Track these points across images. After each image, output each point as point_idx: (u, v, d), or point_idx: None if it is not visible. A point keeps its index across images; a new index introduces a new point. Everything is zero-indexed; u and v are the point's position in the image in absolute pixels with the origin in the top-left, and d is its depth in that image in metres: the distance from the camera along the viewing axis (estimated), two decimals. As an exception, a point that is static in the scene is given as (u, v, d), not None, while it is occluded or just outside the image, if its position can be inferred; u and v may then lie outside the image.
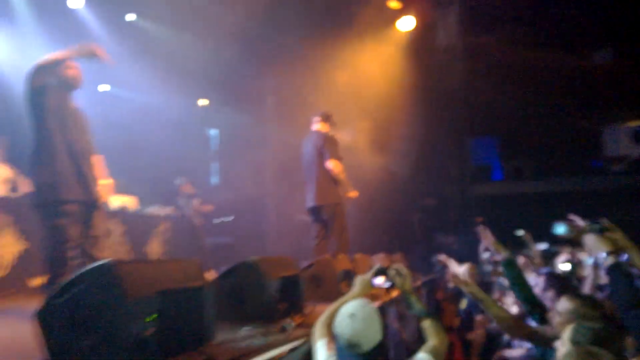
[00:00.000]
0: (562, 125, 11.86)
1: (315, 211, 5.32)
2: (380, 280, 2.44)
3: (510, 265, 3.25)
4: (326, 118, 5.41)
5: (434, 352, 2.19)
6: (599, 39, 11.45)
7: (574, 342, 1.90)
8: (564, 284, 3.38)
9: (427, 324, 2.33)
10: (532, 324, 3.08)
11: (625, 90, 11.32)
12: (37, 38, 8.17)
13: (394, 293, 2.70)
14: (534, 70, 11.17)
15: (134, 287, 1.84)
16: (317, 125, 5.40)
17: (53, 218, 3.31)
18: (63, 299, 1.88)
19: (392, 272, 2.46)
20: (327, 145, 5.18)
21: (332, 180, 5.17)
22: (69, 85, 3.56)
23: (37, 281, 4.92)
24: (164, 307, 1.96)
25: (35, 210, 3.41)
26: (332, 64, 10.15)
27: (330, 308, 2.30)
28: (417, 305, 2.45)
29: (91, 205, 3.53)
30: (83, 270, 1.91)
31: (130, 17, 9.99)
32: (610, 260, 2.13)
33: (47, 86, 3.40)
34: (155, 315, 1.88)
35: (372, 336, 2.03)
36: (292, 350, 2.22)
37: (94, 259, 3.33)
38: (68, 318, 1.85)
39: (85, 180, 3.49)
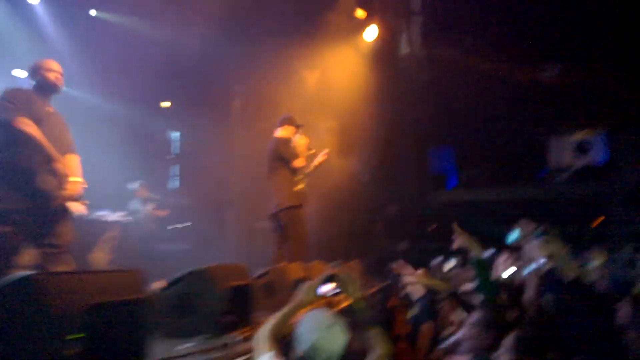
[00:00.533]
0: (513, 135, 12.26)
1: (273, 218, 5.25)
2: (327, 288, 2.31)
3: (480, 264, 3.29)
4: (285, 122, 5.34)
5: None
6: (549, 53, 11.88)
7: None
8: None
9: (373, 333, 2.24)
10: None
11: (571, 104, 11.84)
12: None
13: (342, 301, 2.59)
14: (490, 81, 11.47)
15: (58, 302, 1.69)
16: (277, 131, 5.33)
17: None
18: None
19: (341, 279, 2.35)
20: (284, 150, 5.12)
21: (288, 185, 5.11)
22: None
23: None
24: (94, 323, 1.81)
25: None
26: (299, 68, 10.12)
27: (274, 319, 2.15)
28: (365, 314, 2.35)
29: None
30: (3, 283, 1.74)
31: (92, 12, 9.71)
32: (547, 266, 2.15)
33: None
34: (80, 334, 1.73)
35: (342, 348, 1.98)
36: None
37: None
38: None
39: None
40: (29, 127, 3.24)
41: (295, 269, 4.32)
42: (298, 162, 5.08)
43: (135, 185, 8.18)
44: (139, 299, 2.11)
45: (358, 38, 10.54)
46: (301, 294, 2.28)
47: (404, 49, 11.80)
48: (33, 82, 3.57)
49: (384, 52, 10.81)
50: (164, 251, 9.41)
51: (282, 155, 5.12)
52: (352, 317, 2.28)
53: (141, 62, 9.99)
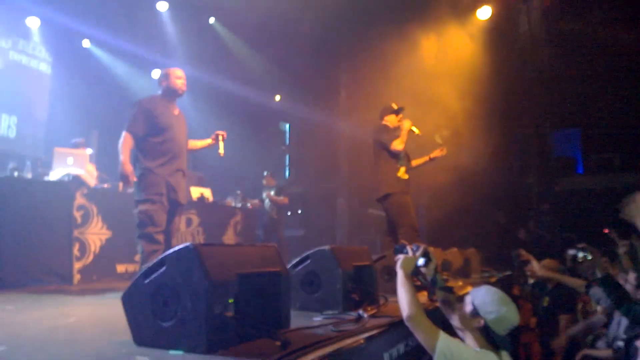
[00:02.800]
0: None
1: (380, 204, 5.29)
2: (422, 261, 2.49)
3: (608, 283, 3.04)
4: (384, 113, 5.32)
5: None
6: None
7: None
8: None
9: (452, 299, 2.45)
10: None
11: None
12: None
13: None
14: (622, 54, 10.28)
15: (215, 270, 1.89)
16: (382, 121, 5.34)
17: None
18: (146, 282, 1.98)
19: (430, 253, 2.53)
20: (381, 135, 5.11)
21: (387, 172, 5.10)
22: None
23: (122, 267, 5.27)
24: (243, 290, 2.00)
25: None
26: (407, 55, 9.94)
27: (407, 299, 2.25)
28: (443, 284, 2.51)
29: None
30: (165, 254, 1.99)
31: (211, 20, 10.46)
32: None
33: None
34: (231, 300, 1.92)
35: (517, 322, 2.25)
36: (369, 338, 2.18)
37: None
38: (151, 299, 1.95)
39: None
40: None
41: (413, 253, 4.32)
42: (395, 145, 5.00)
43: (265, 173, 8.76)
44: (280, 272, 2.27)
45: (471, 18, 10.07)
46: (404, 266, 2.41)
47: (522, 27, 11.02)
48: (161, 88, 4.06)
49: (500, 31, 10.19)
50: (282, 237, 9.86)
51: (380, 140, 5.12)
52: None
53: (254, 60, 10.58)
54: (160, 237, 3.86)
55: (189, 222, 6.25)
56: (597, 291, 3.77)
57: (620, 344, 2.97)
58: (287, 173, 15.03)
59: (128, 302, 2.02)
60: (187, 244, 1.95)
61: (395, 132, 5.17)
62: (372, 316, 2.71)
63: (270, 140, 14.19)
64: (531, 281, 6.06)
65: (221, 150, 4.33)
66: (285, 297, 2.28)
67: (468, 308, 2.29)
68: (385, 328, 2.44)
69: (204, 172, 8.49)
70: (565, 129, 12.90)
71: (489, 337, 2.20)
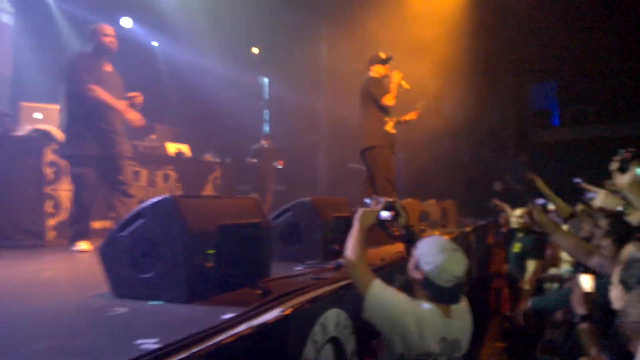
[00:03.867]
0: (627, 67, 10.94)
1: (361, 157, 5.28)
2: (386, 214, 2.45)
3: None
4: (373, 62, 5.23)
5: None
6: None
7: (623, 282, 1.82)
8: (628, 231, 3.19)
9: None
10: None
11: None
12: None
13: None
14: (599, 9, 10.24)
15: (194, 221, 1.88)
16: (370, 71, 5.26)
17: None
18: (124, 234, 1.96)
19: (397, 206, 2.48)
20: (372, 88, 5.05)
21: (377, 124, 5.07)
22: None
23: (98, 224, 5.21)
24: (223, 241, 2.00)
25: None
26: (389, 7, 9.71)
27: (352, 247, 2.19)
28: (418, 239, 2.38)
29: None
30: (143, 205, 1.96)
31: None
32: None
33: None
34: (212, 251, 1.92)
35: (463, 272, 2.07)
36: (346, 285, 2.22)
37: None
38: (129, 251, 1.93)
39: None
40: (96, 92, 3.85)
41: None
42: (387, 100, 4.98)
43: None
44: (260, 222, 2.27)
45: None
46: (361, 219, 2.35)
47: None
48: (91, 45, 4.04)
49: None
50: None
51: (371, 93, 5.07)
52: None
53: (230, 11, 10.18)
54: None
55: (166, 178, 6.18)
56: (574, 222, 3.90)
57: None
58: (266, 128, 14.88)
59: (105, 254, 2.01)
60: (165, 195, 1.93)
61: (383, 83, 5.12)
62: (352, 265, 2.76)
63: (249, 95, 13.93)
64: (504, 230, 6.25)
65: (132, 117, 4.05)
66: (266, 248, 2.30)
67: (412, 261, 2.15)
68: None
69: (182, 127, 8.33)
70: (542, 82, 12.99)
71: (429, 289, 2.05)
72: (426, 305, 2.04)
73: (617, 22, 10.47)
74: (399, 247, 3.63)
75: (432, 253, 2.07)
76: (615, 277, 1.89)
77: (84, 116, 3.91)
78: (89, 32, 4.07)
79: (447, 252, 2.05)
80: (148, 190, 5.84)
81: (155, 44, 10.58)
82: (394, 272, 2.96)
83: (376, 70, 5.20)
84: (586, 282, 2.48)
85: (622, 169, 2.29)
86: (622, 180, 2.28)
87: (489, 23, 10.30)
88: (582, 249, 2.69)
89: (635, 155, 2.27)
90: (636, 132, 10.88)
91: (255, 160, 9.23)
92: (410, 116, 5.45)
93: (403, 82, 5.05)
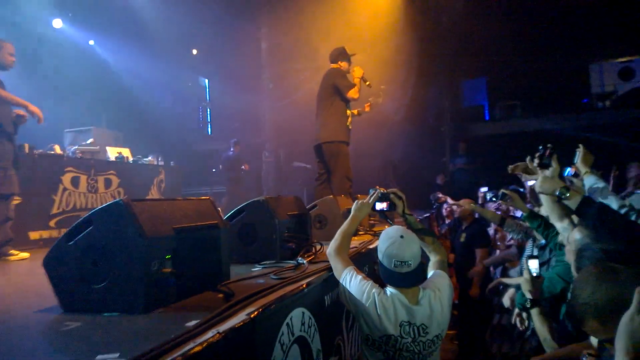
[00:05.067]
0: (552, 62, 11.66)
1: (317, 150, 5.26)
2: (382, 205, 2.62)
3: (532, 218, 3.30)
4: (338, 57, 5.24)
5: (442, 267, 2.48)
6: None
7: (577, 269, 1.91)
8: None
9: (429, 241, 2.55)
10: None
11: (612, 27, 11.09)
12: None
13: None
14: (526, 8, 10.86)
15: (149, 225, 1.78)
16: (335, 65, 5.26)
17: None
18: (71, 243, 1.83)
19: (391, 196, 2.62)
20: (338, 80, 5.05)
21: (338, 119, 5.07)
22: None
23: (36, 234, 4.89)
24: (181, 245, 1.92)
25: None
26: (325, 5, 9.76)
27: (339, 236, 2.45)
28: (418, 225, 2.63)
29: None
30: (92, 211, 1.84)
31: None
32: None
33: None
34: (169, 255, 1.83)
35: (417, 255, 2.19)
36: (309, 284, 2.20)
37: None
38: (78, 261, 1.81)
39: None
40: None
41: (343, 201, 4.40)
42: (353, 93, 4.98)
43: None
44: (217, 224, 2.20)
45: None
46: (357, 211, 2.58)
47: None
48: None
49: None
50: (204, 194, 9.69)
51: (337, 86, 5.03)
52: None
53: (168, 12, 9.86)
54: None
55: (107, 183, 5.89)
56: (511, 224, 4.11)
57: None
58: (209, 129, 14.56)
59: (51, 266, 1.86)
60: (117, 199, 1.82)
61: (347, 76, 5.13)
62: (310, 262, 2.75)
63: (190, 97, 13.59)
64: (448, 220, 6.47)
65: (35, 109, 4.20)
66: (225, 249, 2.23)
67: None
68: (323, 272, 2.47)
69: (123, 131, 7.97)
70: (474, 78, 13.58)
71: (383, 274, 2.20)
72: (390, 291, 2.18)
73: (542, 19, 11.12)
74: (364, 238, 3.72)
75: (382, 240, 2.23)
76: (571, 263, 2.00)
77: None
78: None
79: (393, 239, 2.18)
80: (88, 196, 5.54)
81: (91, 42, 10.06)
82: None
83: (342, 65, 5.20)
84: (534, 266, 2.62)
85: (543, 165, 2.42)
86: (544, 174, 2.40)
87: (422, 21, 10.62)
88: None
89: (553, 151, 2.41)
90: (560, 125, 11.62)
91: (221, 167, 10.24)
92: (363, 110, 5.50)
93: (365, 80, 5.10)
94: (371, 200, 2.64)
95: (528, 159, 2.60)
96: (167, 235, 1.85)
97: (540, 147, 2.50)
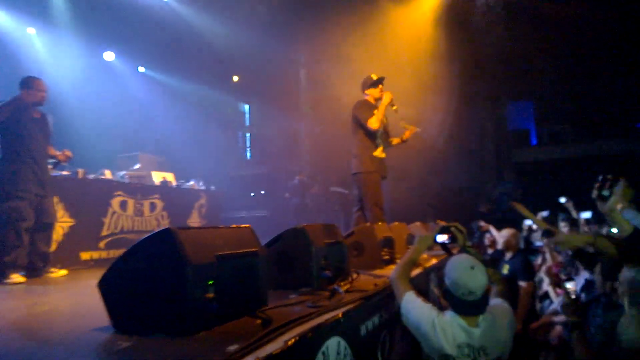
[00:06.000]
0: (602, 86, 11.37)
1: (352, 181, 5.33)
2: (443, 237, 2.77)
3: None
4: (365, 86, 5.32)
5: (503, 295, 2.67)
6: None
7: (632, 304, 1.88)
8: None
9: (490, 272, 2.62)
10: None
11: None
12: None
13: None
14: (574, 29, 10.67)
15: (193, 253, 1.89)
16: (365, 95, 5.33)
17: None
18: (125, 267, 1.96)
19: (453, 229, 2.79)
20: (358, 112, 5.12)
21: (363, 149, 5.13)
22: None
23: (87, 255, 5.14)
24: (222, 271, 2.01)
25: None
26: (365, 33, 9.94)
27: (402, 264, 2.71)
28: (479, 257, 2.72)
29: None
30: (143, 238, 1.97)
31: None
32: None
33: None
34: (211, 281, 1.93)
35: (485, 286, 2.37)
36: (345, 313, 2.24)
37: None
38: (130, 285, 1.93)
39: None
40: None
41: (381, 229, 4.42)
42: (371, 123, 5.00)
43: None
44: (256, 252, 2.29)
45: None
46: (419, 243, 2.80)
47: (479, 1, 11.21)
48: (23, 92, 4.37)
49: (458, 7, 10.34)
50: (244, 217, 9.87)
51: (356, 117, 5.12)
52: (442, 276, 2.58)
53: (211, 40, 10.29)
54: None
55: (152, 207, 6.14)
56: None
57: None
58: (248, 154, 14.91)
59: (105, 287, 1.99)
60: (166, 227, 1.94)
61: (374, 107, 5.16)
62: (346, 291, 2.79)
63: (230, 122, 14.00)
64: (490, 251, 6.33)
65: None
66: (263, 276, 2.31)
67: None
68: (359, 302, 2.51)
69: (166, 156, 8.33)
70: (519, 101, 13.36)
71: (449, 301, 2.39)
72: (448, 314, 2.39)
73: (591, 40, 10.90)
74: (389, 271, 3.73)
75: (453, 269, 2.41)
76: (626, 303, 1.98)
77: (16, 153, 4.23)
78: (25, 82, 4.38)
79: (464, 269, 2.37)
80: (135, 219, 5.79)
81: (142, 69, 10.63)
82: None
83: (371, 93, 5.27)
84: (571, 288, 2.62)
85: (603, 197, 2.40)
86: (604, 208, 2.38)
87: (464, 44, 10.62)
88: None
89: (613, 180, 2.38)
90: (611, 150, 11.23)
91: (288, 195, 10.57)
92: (398, 140, 5.52)
93: (392, 104, 5.11)
94: (434, 232, 2.83)
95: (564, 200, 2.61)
96: (210, 262, 1.95)
97: (600, 177, 2.49)
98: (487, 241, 6.43)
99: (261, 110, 14.00)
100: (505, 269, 5.18)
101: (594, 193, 2.45)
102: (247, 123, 15.25)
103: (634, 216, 2.39)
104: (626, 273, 2.02)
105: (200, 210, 7.25)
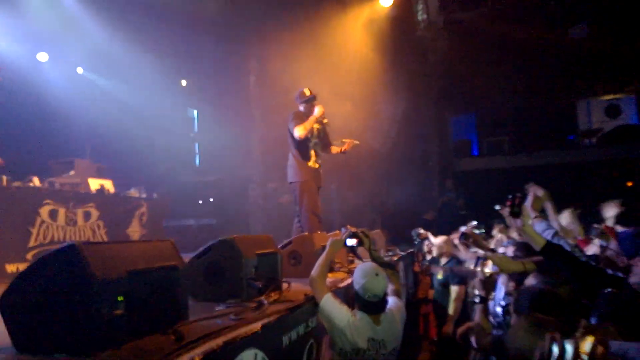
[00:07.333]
0: (539, 99, 11.98)
1: (289, 189, 5.37)
2: (352, 241, 3.16)
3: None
4: (299, 100, 5.39)
5: (396, 294, 3.10)
6: (574, 15, 11.49)
7: (516, 310, 1.98)
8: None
9: (389, 272, 3.04)
10: None
11: (599, 65, 11.45)
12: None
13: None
14: (513, 46, 11.20)
15: (101, 268, 1.82)
16: (299, 106, 5.39)
17: None
18: (26, 284, 1.87)
19: (360, 234, 3.19)
20: (289, 121, 5.20)
21: (297, 159, 5.20)
22: None
23: (13, 267, 4.88)
24: (135, 287, 1.95)
25: None
26: (314, 41, 10.03)
27: (318, 268, 2.95)
28: (381, 259, 3.27)
29: None
30: (46, 254, 1.89)
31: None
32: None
33: None
34: (121, 298, 1.87)
35: (386, 289, 2.83)
36: (265, 325, 2.23)
37: None
38: (32, 303, 1.83)
39: None
40: None
41: (319, 238, 4.44)
42: (298, 131, 5.07)
43: None
44: (174, 266, 2.24)
45: (375, 5, 10.37)
46: (331, 246, 3.11)
47: (421, 15, 11.56)
48: None
49: (402, 19, 10.60)
50: (191, 226, 9.66)
51: (288, 127, 5.20)
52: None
53: (158, 42, 10.06)
54: None
55: (87, 216, 5.90)
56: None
57: (499, 309, 3.29)
58: (197, 161, 14.63)
59: (6, 305, 1.89)
60: (70, 242, 1.87)
61: (307, 118, 5.22)
62: (274, 302, 2.78)
63: (178, 128, 13.70)
64: (429, 257, 6.51)
65: None
66: (183, 290, 2.26)
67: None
68: (284, 313, 2.50)
69: (106, 162, 8.03)
70: (463, 114, 13.87)
71: (358, 302, 2.79)
72: (359, 314, 2.78)
73: (530, 57, 11.46)
74: (340, 275, 3.89)
75: (361, 275, 2.80)
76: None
77: None
78: None
79: (370, 276, 2.77)
80: (67, 229, 5.54)
81: (80, 70, 10.24)
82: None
83: (305, 107, 5.33)
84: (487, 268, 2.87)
85: (514, 213, 2.48)
86: (517, 224, 2.47)
87: (410, 56, 10.91)
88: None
89: (522, 198, 2.49)
90: (547, 161, 11.82)
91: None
92: (338, 150, 5.59)
93: (323, 118, 5.21)
94: (343, 237, 3.21)
95: (497, 207, 2.67)
96: (120, 278, 1.89)
97: (510, 196, 2.57)
98: (425, 247, 6.60)
99: (212, 115, 13.78)
100: (440, 275, 5.35)
101: (506, 212, 2.55)
102: (196, 129, 14.97)
103: (545, 227, 2.51)
104: (529, 280, 2.13)
105: (141, 218, 7.04)
